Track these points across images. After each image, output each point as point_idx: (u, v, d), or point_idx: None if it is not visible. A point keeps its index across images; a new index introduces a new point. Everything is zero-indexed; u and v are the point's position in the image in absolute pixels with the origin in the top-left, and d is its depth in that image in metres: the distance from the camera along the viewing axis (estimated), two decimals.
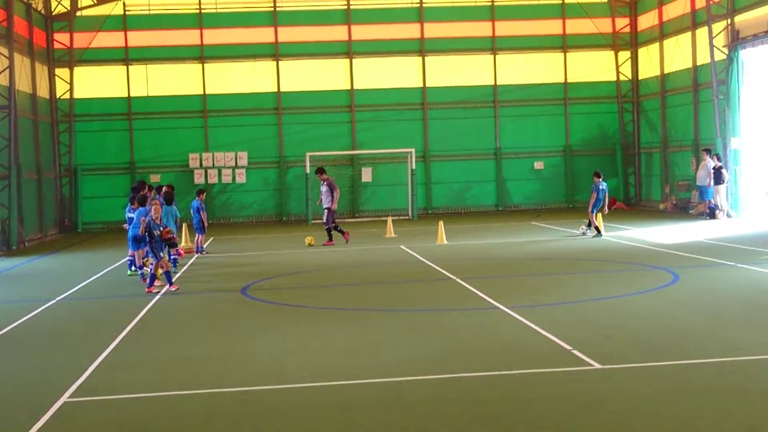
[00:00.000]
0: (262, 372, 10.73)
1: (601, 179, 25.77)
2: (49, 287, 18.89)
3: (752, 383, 9.43)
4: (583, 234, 25.77)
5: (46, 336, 13.71)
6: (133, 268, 20.08)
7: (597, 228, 25.48)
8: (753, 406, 8.67)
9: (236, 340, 12.73)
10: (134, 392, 10.00)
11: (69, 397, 9.84)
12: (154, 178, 34.27)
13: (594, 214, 25.49)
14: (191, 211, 25.14)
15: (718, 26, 30.74)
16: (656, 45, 36.43)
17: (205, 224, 24.87)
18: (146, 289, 17.77)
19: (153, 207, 18.26)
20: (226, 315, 14.94)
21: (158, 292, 17.69)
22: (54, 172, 35.11)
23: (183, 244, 25.17)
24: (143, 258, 19.41)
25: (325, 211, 25.94)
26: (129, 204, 20.54)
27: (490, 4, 38.02)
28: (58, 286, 18.83)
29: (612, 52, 38.77)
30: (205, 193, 25.66)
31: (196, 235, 25.12)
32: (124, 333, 13.42)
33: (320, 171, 26.44)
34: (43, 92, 34.40)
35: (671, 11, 35.00)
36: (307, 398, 9.56)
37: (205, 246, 25.37)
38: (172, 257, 20.73)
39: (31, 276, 21.82)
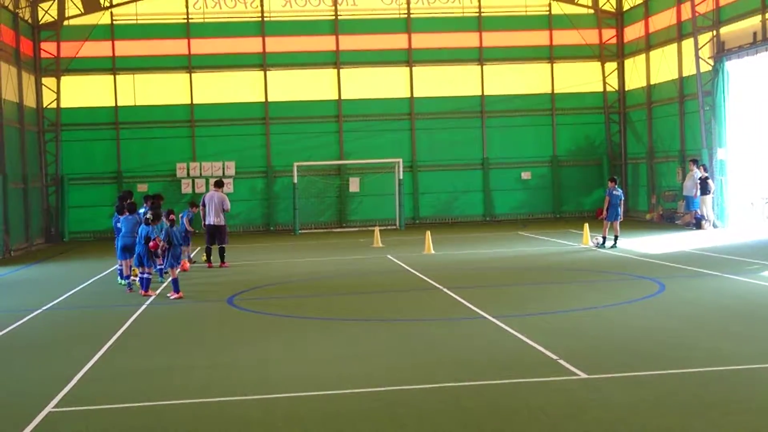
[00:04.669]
0: (247, 382, 10.71)
1: (615, 185, 25.56)
2: (35, 297, 18.81)
3: (737, 393, 9.47)
4: (598, 245, 25.19)
5: (32, 345, 13.65)
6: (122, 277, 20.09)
7: (604, 237, 25.17)
8: (738, 416, 8.70)
9: (222, 349, 12.70)
10: (119, 402, 9.97)
11: (54, 407, 9.80)
12: (141, 188, 34.19)
13: (609, 223, 25.16)
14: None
15: (704, 38, 30.93)
16: (642, 56, 36.60)
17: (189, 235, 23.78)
18: (141, 292, 18.44)
19: (170, 219, 18.82)
20: (212, 325, 14.91)
21: (150, 297, 17.85)
22: (40, 181, 35.00)
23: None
24: (131, 267, 19.43)
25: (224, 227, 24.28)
26: (116, 214, 20.53)
27: (477, 15, 38.14)
28: (44, 296, 18.76)
29: (599, 63, 38.93)
30: (196, 207, 25.05)
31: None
32: (109, 342, 13.38)
33: (220, 184, 24.85)
34: (29, 101, 34.30)
35: (657, 23, 35.18)
36: (292, 408, 9.55)
37: (192, 255, 25.22)
38: (157, 267, 20.67)
39: (17, 285, 21.72)
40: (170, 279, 18.37)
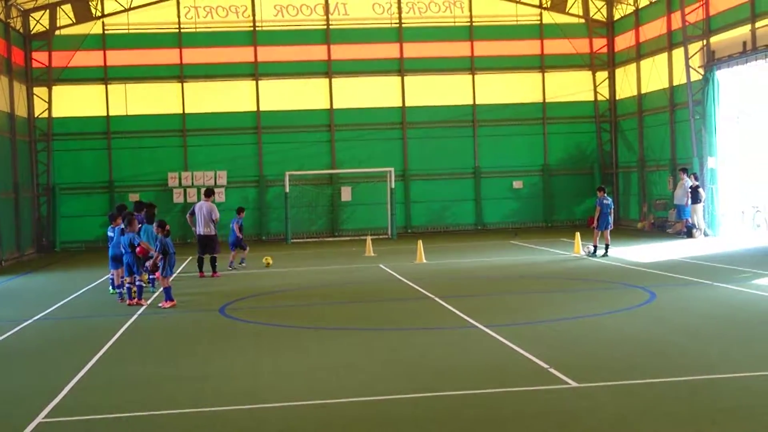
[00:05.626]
0: (238, 392, 10.70)
1: (604, 194, 25.54)
2: (27, 307, 18.76)
3: (727, 401, 9.50)
4: (589, 254, 25.28)
5: (22, 356, 13.62)
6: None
7: (595, 246, 25.18)
8: (727, 424, 8.73)
9: (213, 359, 12.69)
10: (110, 412, 9.94)
11: (44, 418, 9.77)
12: (133, 197, 34.11)
13: (600, 232, 25.18)
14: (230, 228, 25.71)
15: (694, 47, 31.07)
16: (633, 65, 36.75)
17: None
18: (128, 302, 18.39)
19: (166, 229, 18.72)
20: (203, 334, 14.89)
21: (141, 306, 17.80)
22: (32, 191, 34.95)
23: None
24: (121, 277, 19.38)
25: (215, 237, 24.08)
26: (110, 222, 20.51)
27: (468, 24, 38.26)
28: (36, 306, 18.71)
29: (590, 72, 39.07)
30: (243, 212, 26.69)
31: (233, 251, 25.64)
32: (100, 353, 13.35)
33: (212, 192, 24.62)
34: (21, 111, 34.26)
35: (648, 32, 35.33)
36: (284, 418, 9.55)
37: (235, 262, 25.70)
38: (150, 277, 20.62)
39: (8, 296, 21.66)
40: (162, 288, 18.35)
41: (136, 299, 18.46)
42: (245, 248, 25.97)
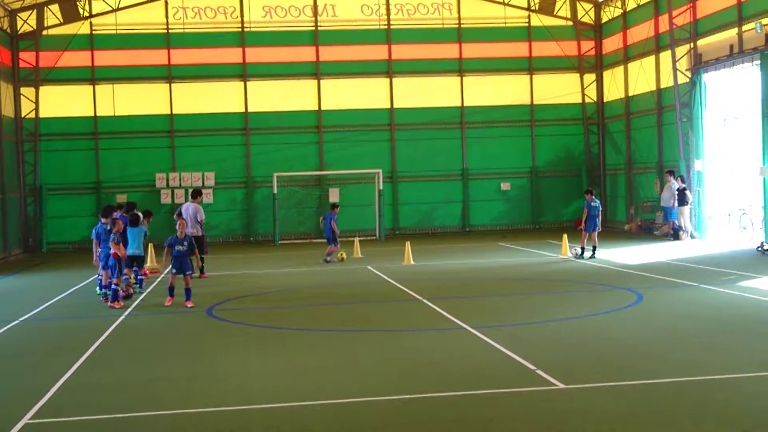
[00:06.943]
0: (226, 393, 10.69)
1: (592, 196, 25.58)
2: (12, 308, 18.69)
3: (712, 403, 9.54)
4: (576, 256, 25.35)
5: (8, 357, 13.57)
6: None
7: (582, 248, 25.20)
8: (713, 425, 8.77)
9: (201, 360, 12.67)
10: (97, 414, 9.92)
11: (30, 419, 9.74)
12: (120, 198, 34.04)
13: (587, 234, 25.16)
14: (325, 223, 26.81)
15: (681, 50, 31.19)
16: (621, 68, 36.87)
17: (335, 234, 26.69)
18: (109, 304, 18.24)
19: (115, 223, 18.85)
20: (191, 336, 14.87)
21: (122, 308, 17.75)
22: (18, 191, 34.82)
23: (149, 263, 24.95)
24: (109, 278, 19.29)
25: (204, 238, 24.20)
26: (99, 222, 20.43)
27: (457, 26, 38.31)
28: (22, 307, 18.64)
29: (577, 75, 39.17)
30: (338, 207, 27.79)
31: (330, 245, 26.66)
32: (87, 354, 13.32)
33: (198, 194, 24.59)
34: (8, 111, 34.13)
35: (635, 35, 35.45)
36: (271, 419, 9.54)
37: (330, 256, 26.71)
38: (138, 277, 20.58)
39: None
40: (167, 287, 18.51)
41: (111, 302, 18.24)
42: (337, 245, 26.67)
